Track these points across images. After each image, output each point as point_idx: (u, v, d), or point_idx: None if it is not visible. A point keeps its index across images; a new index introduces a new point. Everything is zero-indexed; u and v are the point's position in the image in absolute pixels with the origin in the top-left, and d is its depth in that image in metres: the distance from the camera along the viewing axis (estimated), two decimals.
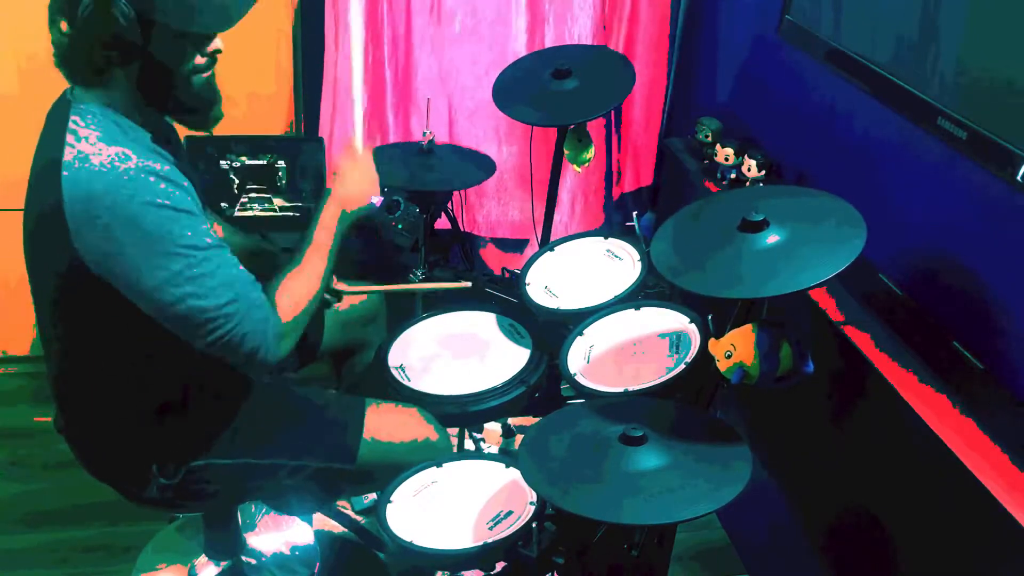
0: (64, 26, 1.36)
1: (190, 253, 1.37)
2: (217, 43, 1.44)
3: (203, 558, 2.04)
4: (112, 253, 1.35)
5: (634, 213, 2.03)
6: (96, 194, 1.33)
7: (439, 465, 1.72)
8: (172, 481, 1.60)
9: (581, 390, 1.76)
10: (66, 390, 1.60)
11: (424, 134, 2.32)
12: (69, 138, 1.36)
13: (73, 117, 1.39)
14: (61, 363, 1.57)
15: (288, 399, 1.75)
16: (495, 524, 1.60)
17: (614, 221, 3.06)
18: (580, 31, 2.76)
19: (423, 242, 2.38)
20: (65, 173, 1.34)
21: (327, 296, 1.88)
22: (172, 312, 1.39)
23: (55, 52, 1.39)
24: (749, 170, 2.20)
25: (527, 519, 1.58)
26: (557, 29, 2.74)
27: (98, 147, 1.35)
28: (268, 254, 1.94)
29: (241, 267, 1.46)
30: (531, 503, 1.61)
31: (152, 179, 1.35)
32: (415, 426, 1.76)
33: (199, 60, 1.42)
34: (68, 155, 1.35)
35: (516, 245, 3.04)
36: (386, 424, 1.74)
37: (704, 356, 1.60)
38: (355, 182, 1.71)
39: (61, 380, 1.59)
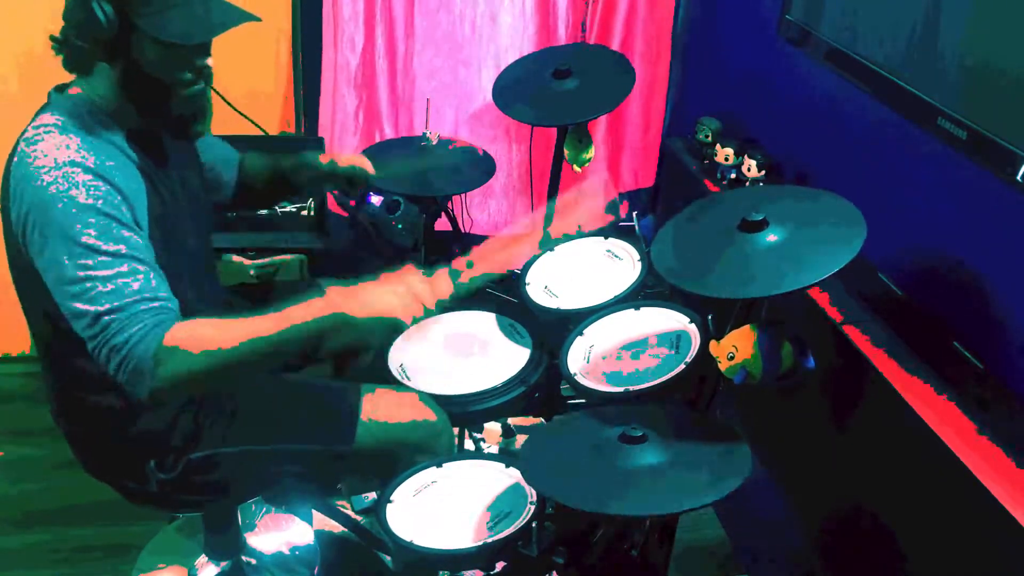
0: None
1: (88, 254, 1.31)
2: (208, 60, 1.43)
3: (203, 558, 2.03)
4: (27, 235, 1.35)
5: (634, 213, 2.03)
6: (26, 176, 1.34)
7: (439, 465, 1.72)
8: (171, 476, 1.59)
9: (581, 390, 1.75)
10: (54, 386, 1.60)
11: (425, 135, 2.32)
12: (28, 128, 1.38)
13: (45, 112, 1.41)
14: (44, 358, 1.57)
15: (284, 386, 1.75)
16: (495, 524, 1.60)
17: (614, 221, 3.05)
18: (578, 30, 2.76)
19: (423, 242, 2.38)
20: (14, 159, 1.36)
21: None
22: (63, 307, 1.34)
23: (54, 42, 1.41)
24: (749, 170, 2.20)
25: (527, 519, 1.58)
26: (558, 29, 2.75)
27: (50, 132, 1.36)
28: (292, 167, 1.91)
29: (149, 285, 1.34)
30: (531, 503, 1.61)
31: (79, 172, 1.33)
32: (412, 408, 1.76)
33: (185, 73, 1.41)
34: (20, 141, 1.37)
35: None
36: (383, 406, 1.73)
37: (704, 356, 1.60)
38: (381, 296, 1.46)
39: (48, 375, 1.59)
